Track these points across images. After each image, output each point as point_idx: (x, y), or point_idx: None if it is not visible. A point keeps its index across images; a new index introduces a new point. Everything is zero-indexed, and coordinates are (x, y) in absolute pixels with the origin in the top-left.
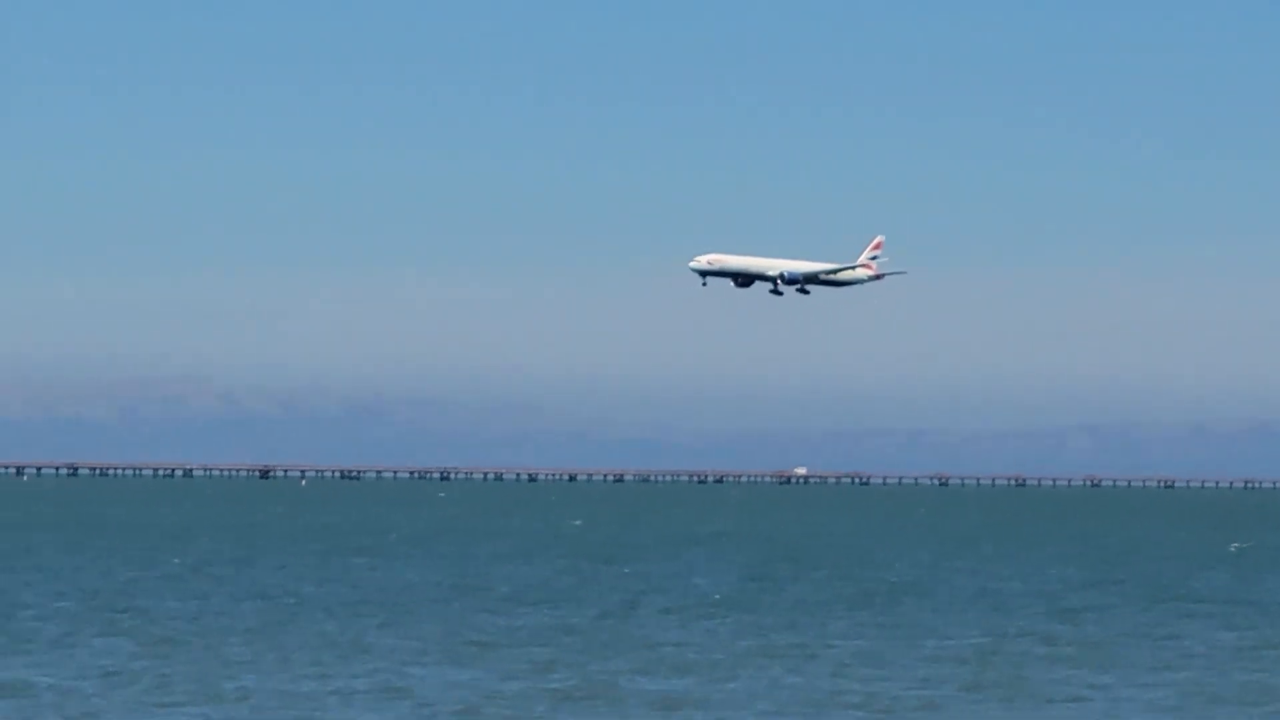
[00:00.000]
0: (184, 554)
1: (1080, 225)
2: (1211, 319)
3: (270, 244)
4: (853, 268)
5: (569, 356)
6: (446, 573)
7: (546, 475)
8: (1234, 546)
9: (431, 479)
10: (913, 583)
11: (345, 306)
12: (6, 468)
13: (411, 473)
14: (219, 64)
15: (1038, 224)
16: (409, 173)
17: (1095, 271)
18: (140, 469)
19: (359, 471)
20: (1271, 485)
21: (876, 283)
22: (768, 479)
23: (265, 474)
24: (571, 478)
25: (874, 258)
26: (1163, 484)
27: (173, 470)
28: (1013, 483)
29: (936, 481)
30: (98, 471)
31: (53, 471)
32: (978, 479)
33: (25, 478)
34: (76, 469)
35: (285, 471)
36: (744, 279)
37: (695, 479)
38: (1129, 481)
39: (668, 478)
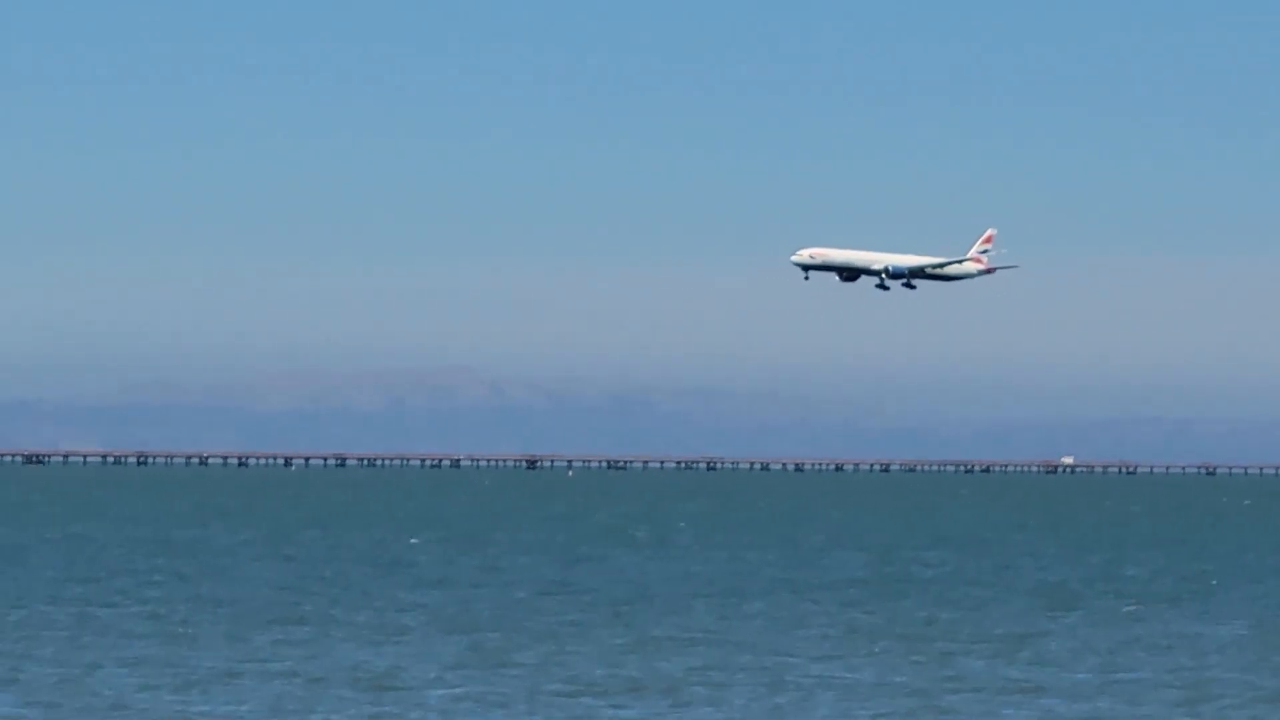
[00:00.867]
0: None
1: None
2: None
3: (538, 234)
4: (959, 261)
5: (835, 347)
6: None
7: (813, 465)
8: None
9: (697, 469)
10: None
11: (611, 296)
12: (275, 458)
13: (678, 463)
14: (498, 53)
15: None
16: (669, 163)
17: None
18: (408, 459)
19: (625, 461)
20: None
21: (989, 276)
22: (1034, 469)
23: (532, 464)
24: (838, 468)
25: (984, 251)
26: None
27: (440, 460)
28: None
29: (1204, 471)
30: (365, 461)
31: (321, 462)
32: (1245, 468)
33: (293, 468)
34: (345, 459)
35: (552, 462)
36: (848, 273)
37: (962, 469)
38: None
39: (934, 468)
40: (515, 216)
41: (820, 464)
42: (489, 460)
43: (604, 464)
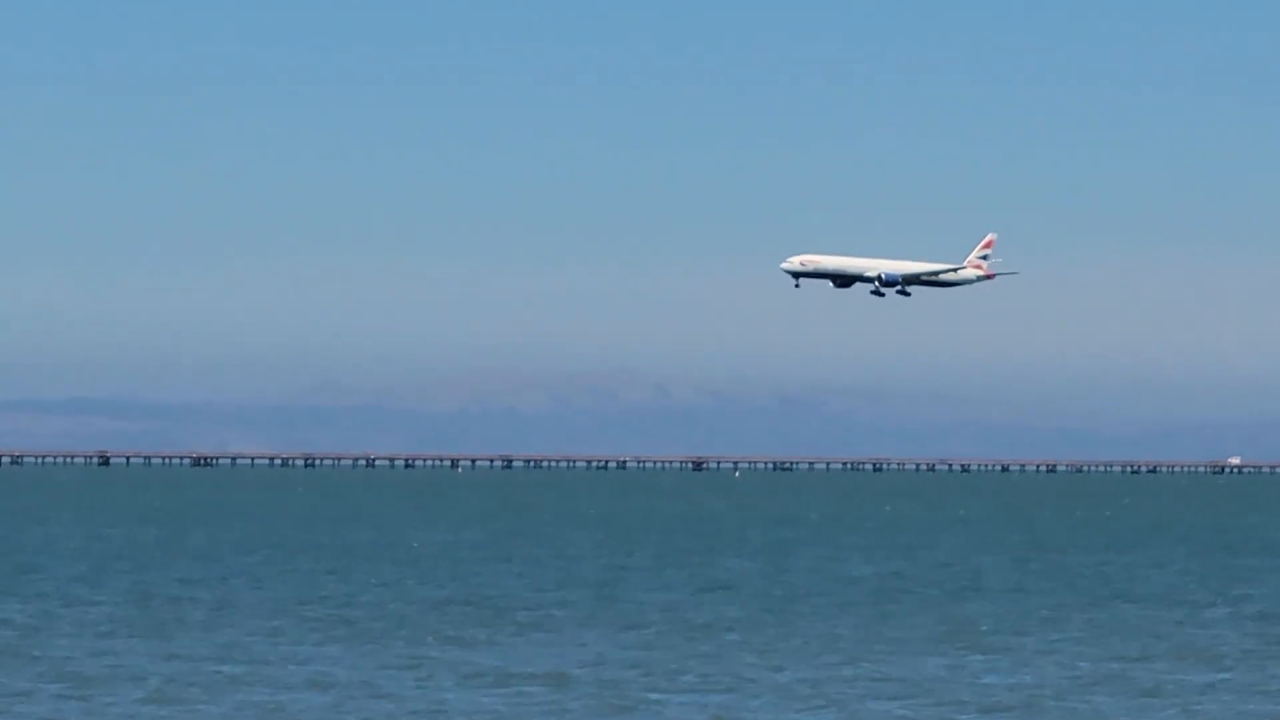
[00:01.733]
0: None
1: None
2: None
3: (701, 234)
4: (956, 269)
5: (999, 346)
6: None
7: (979, 466)
8: None
9: (864, 470)
10: None
11: (775, 296)
12: (441, 460)
13: (844, 464)
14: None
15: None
16: (826, 159)
17: None
18: (574, 460)
19: (791, 463)
20: None
21: (988, 283)
22: (1201, 469)
23: (699, 466)
24: (1004, 468)
25: (984, 257)
26: None
27: (606, 462)
28: None
29: None
30: (531, 463)
31: (487, 463)
32: None
33: (460, 469)
34: (511, 461)
35: (718, 463)
36: (842, 280)
37: (1128, 469)
38: None
39: (1100, 468)
40: (682, 217)
41: (986, 464)
42: (655, 462)
43: (770, 465)
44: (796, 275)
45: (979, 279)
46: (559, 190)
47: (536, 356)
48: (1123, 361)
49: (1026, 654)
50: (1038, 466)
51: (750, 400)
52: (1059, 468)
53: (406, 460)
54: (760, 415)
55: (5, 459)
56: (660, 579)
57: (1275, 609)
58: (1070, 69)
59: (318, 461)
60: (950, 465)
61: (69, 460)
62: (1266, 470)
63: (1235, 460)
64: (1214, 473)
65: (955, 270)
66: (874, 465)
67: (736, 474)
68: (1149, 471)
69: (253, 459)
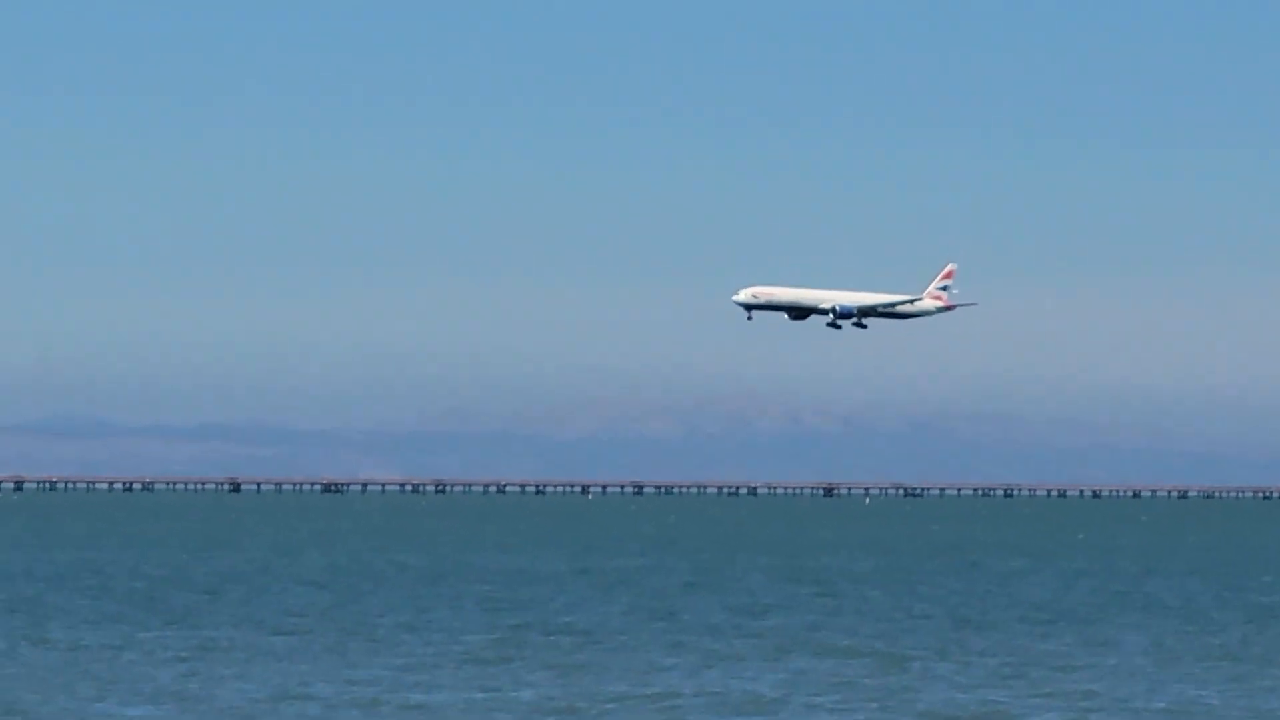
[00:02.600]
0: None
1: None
2: None
3: (830, 260)
4: (911, 300)
5: (1132, 368)
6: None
7: (1111, 491)
8: None
9: (994, 496)
10: None
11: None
12: (572, 486)
13: (975, 489)
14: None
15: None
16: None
17: None
18: (704, 487)
19: (921, 489)
20: None
21: (947, 314)
22: None
23: (829, 492)
24: (1135, 494)
25: (944, 288)
26: None
27: (736, 488)
28: None
29: None
30: (661, 489)
31: (618, 489)
32: None
33: (590, 495)
34: (641, 487)
35: (849, 489)
36: (797, 312)
37: (1260, 495)
38: None
39: (1231, 494)
40: (807, 242)
41: (1117, 490)
42: (785, 488)
43: (900, 491)
44: (749, 307)
45: (939, 310)
46: (690, 217)
47: (669, 383)
48: (1257, 385)
49: None
50: (1169, 492)
51: (881, 426)
52: (1190, 493)
53: (537, 486)
54: (891, 441)
55: (137, 485)
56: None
57: None
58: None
59: (448, 487)
60: (1081, 491)
61: (199, 487)
62: None
63: None
64: None
65: (912, 301)
66: (1005, 491)
67: (867, 500)
68: None
69: (383, 485)
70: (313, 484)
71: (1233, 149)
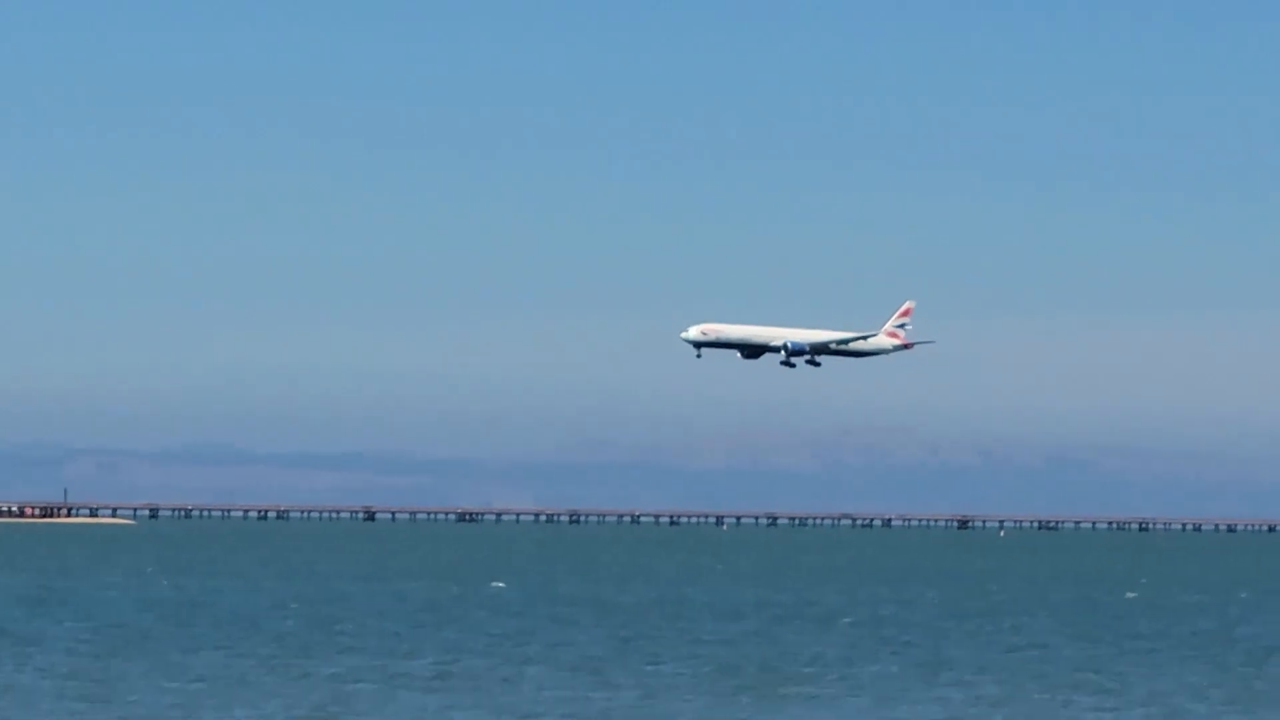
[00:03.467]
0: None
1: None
2: None
3: (973, 291)
4: (864, 337)
5: (1265, 402)
6: None
7: (1246, 526)
8: None
9: (1129, 530)
10: None
11: (1046, 352)
12: (706, 517)
13: (1110, 523)
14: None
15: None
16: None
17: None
18: (838, 519)
19: (1057, 522)
20: None
21: (906, 352)
22: None
23: (964, 524)
24: (1271, 528)
25: (902, 325)
26: None
27: (871, 520)
28: None
29: None
30: (796, 521)
31: (752, 521)
32: None
33: (725, 527)
34: (776, 519)
35: (984, 522)
36: (749, 350)
37: None
38: None
39: None
40: (947, 274)
41: (1253, 524)
42: (920, 520)
43: (1035, 524)
44: (698, 345)
45: (896, 348)
46: (826, 251)
47: (806, 415)
48: None
49: None
50: None
51: (1019, 459)
52: None
53: (671, 517)
54: (1028, 474)
55: (271, 514)
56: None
57: None
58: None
59: (583, 517)
60: (1216, 525)
61: (335, 515)
62: None
63: None
64: None
65: (866, 339)
66: (1140, 525)
67: (1001, 533)
68: None
69: (518, 515)
70: (447, 513)
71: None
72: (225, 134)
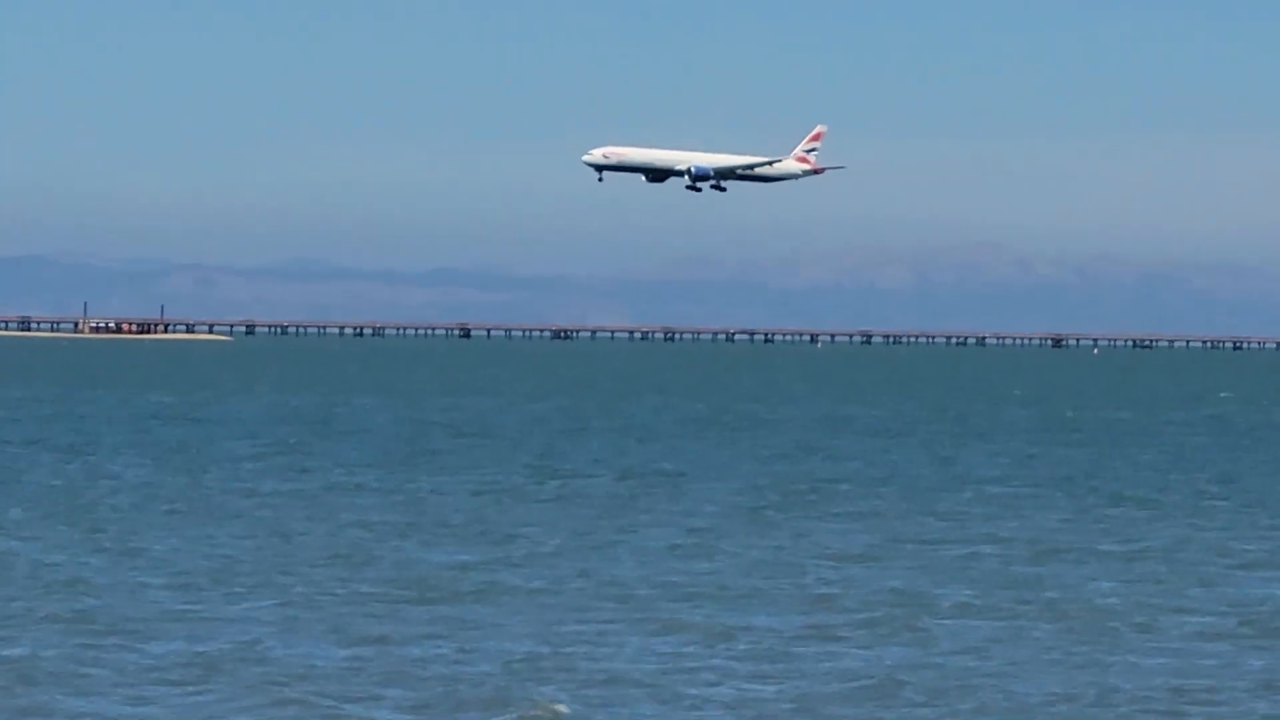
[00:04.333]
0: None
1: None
2: None
3: (1056, 108)
4: (770, 162)
5: None
6: None
7: None
8: None
9: (1223, 348)
10: None
11: (1142, 169)
12: (800, 335)
13: (1204, 342)
14: None
15: None
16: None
17: None
18: (932, 336)
19: (1151, 340)
20: None
21: (815, 177)
22: None
23: (1057, 342)
24: None
25: (812, 150)
26: None
27: (965, 338)
28: None
29: None
30: (890, 339)
31: (846, 339)
32: None
33: (819, 344)
34: (870, 336)
35: (1077, 340)
36: (654, 174)
37: None
38: None
39: None
40: (1036, 92)
41: None
42: (1014, 339)
43: (1130, 343)
44: (600, 168)
45: (805, 173)
46: (956, 67)
47: (899, 231)
48: None
49: None
50: None
51: (1112, 277)
52: None
53: (766, 335)
54: (1122, 292)
55: (367, 330)
56: None
57: None
58: None
59: (678, 335)
60: None
61: (430, 332)
62: None
63: None
64: None
65: (772, 164)
66: (1234, 344)
67: (1095, 351)
68: None
69: (613, 332)
70: (542, 330)
71: None
72: None
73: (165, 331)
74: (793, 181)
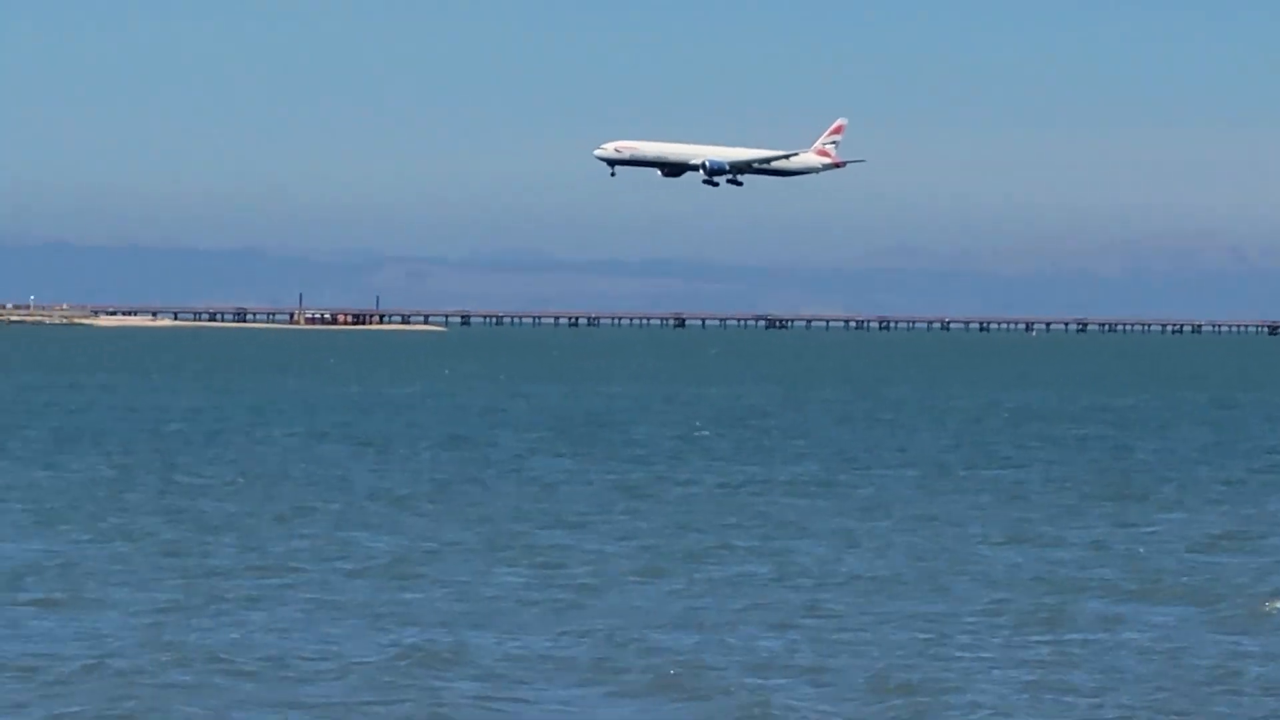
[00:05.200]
0: None
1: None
2: None
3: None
4: (788, 156)
5: None
6: None
7: None
8: None
9: None
10: None
11: None
12: (1015, 323)
13: None
14: None
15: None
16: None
17: None
18: (1147, 325)
19: None
20: None
21: (837, 171)
22: None
23: (1274, 330)
24: None
25: (833, 143)
26: None
27: (1180, 326)
28: None
29: None
30: (1106, 327)
31: (1061, 327)
32: None
33: (1034, 332)
34: (1085, 325)
35: None
36: (669, 168)
37: None
38: None
39: None
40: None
41: None
42: (1230, 326)
43: None
44: (612, 163)
45: (826, 167)
46: (1133, 59)
47: (1114, 221)
48: None
49: None
50: None
51: None
52: None
53: (981, 324)
54: None
55: (582, 320)
56: None
57: None
58: None
59: (892, 324)
60: None
61: (644, 322)
62: None
63: None
64: None
65: (789, 158)
66: None
67: None
68: None
69: (827, 321)
70: (756, 319)
71: None
72: None
73: (380, 322)
74: (813, 175)
